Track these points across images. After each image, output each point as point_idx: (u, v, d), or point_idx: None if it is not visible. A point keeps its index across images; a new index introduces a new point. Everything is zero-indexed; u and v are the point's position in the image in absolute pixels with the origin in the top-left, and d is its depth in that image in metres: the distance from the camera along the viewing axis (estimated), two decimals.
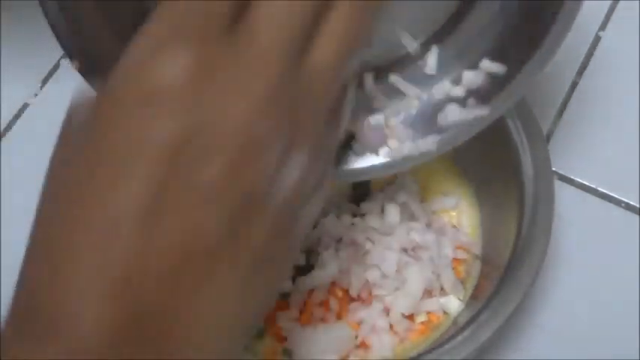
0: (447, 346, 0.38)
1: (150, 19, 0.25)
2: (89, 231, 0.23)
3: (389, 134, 0.38)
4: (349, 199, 0.46)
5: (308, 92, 0.25)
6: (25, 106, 0.53)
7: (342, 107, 0.29)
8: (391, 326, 0.42)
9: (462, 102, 0.37)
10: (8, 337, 0.24)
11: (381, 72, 0.38)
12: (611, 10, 0.54)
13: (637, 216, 0.48)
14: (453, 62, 0.38)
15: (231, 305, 0.24)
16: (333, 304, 0.43)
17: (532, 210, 0.41)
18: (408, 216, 0.45)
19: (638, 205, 0.48)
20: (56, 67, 0.54)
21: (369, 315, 0.42)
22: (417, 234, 0.43)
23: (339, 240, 0.44)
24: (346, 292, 0.43)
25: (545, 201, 0.41)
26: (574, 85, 0.52)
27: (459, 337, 0.38)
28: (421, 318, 0.43)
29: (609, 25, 0.54)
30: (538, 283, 0.44)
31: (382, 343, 0.42)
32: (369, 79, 0.37)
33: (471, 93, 0.37)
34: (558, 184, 0.48)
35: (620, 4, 0.54)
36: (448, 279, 0.43)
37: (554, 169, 0.45)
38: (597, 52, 0.53)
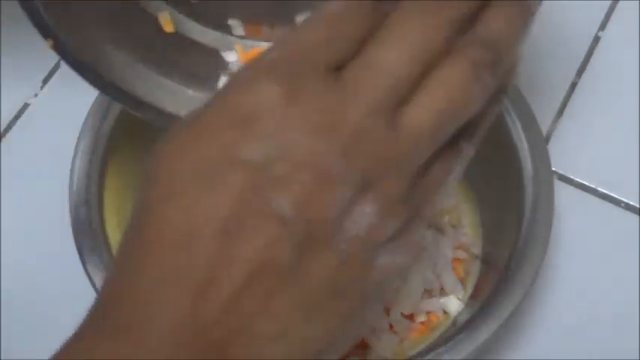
0: (446, 346, 0.38)
1: (254, 58, 0.26)
2: (174, 232, 0.24)
3: None
4: None
5: (394, 147, 0.25)
6: (25, 106, 0.53)
7: (435, 180, 0.28)
8: (391, 326, 0.42)
9: None
10: (86, 334, 0.25)
11: None
12: (611, 10, 0.54)
13: (637, 216, 0.48)
14: None
15: (291, 328, 0.25)
16: None
17: (532, 210, 0.41)
18: None
19: (637, 205, 0.48)
20: (56, 67, 0.54)
21: None
22: None
23: None
24: None
25: (545, 201, 0.41)
26: (574, 85, 0.52)
27: (459, 337, 0.38)
28: (421, 318, 0.43)
29: (609, 25, 0.54)
30: (538, 283, 0.44)
31: (382, 343, 0.42)
32: None
33: None
34: (558, 184, 0.48)
35: (620, 4, 0.54)
36: (448, 279, 0.43)
37: (554, 169, 0.45)
38: (597, 52, 0.53)
